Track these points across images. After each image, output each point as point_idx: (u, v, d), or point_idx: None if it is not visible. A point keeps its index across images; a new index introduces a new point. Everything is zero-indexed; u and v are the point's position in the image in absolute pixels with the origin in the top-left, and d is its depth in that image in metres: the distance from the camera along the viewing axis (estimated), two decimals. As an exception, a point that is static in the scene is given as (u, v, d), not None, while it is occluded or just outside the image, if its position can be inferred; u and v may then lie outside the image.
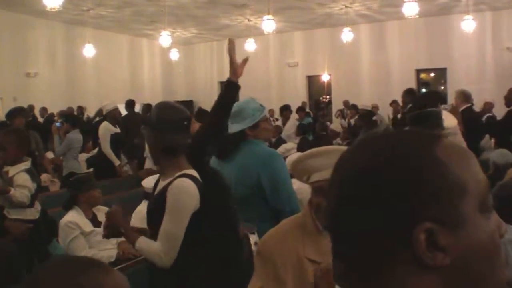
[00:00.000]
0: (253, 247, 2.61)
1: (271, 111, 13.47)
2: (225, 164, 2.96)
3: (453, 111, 4.88)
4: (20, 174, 3.61)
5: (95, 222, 3.79)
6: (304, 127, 9.02)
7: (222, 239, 2.44)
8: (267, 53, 16.60)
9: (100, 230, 3.75)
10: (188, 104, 15.58)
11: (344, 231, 0.68)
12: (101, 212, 3.96)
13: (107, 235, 2.50)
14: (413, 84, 14.17)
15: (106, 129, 7.00)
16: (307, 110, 13.14)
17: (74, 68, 14.83)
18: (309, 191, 1.83)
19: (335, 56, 15.38)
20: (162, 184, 2.40)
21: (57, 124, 8.96)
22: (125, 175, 7.16)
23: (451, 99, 7.86)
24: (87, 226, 3.72)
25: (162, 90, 18.14)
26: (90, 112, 12.83)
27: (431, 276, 0.63)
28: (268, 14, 11.08)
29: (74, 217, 3.74)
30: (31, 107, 11.77)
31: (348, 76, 15.39)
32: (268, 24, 11.10)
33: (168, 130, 2.33)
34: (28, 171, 3.67)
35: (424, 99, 4.27)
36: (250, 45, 14.16)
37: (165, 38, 12.71)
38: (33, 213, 3.69)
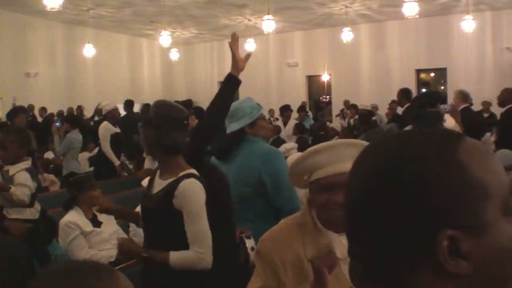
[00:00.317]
0: (250, 251, 2.60)
1: (272, 111, 13.47)
2: (225, 164, 2.95)
3: (452, 111, 4.88)
4: (20, 173, 3.62)
5: (95, 222, 3.78)
6: (302, 126, 8.98)
7: (220, 237, 2.43)
8: (267, 53, 16.59)
9: (100, 230, 3.76)
10: (188, 104, 15.54)
11: (364, 232, 0.66)
12: (101, 212, 3.96)
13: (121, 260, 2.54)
14: (413, 84, 14.19)
15: (106, 129, 6.99)
16: (307, 110, 13.13)
17: (74, 68, 14.83)
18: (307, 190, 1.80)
19: (335, 56, 15.38)
20: (161, 182, 2.38)
21: (57, 124, 8.96)
22: (125, 175, 7.17)
23: (451, 99, 7.86)
24: (87, 226, 3.72)
25: (162, 90, 18.14)
26: (87, 111, 12.86)
27: (454, 282, 0.61)
28: (268, 14, 11.09)
29: (74, 217, 3.74)
30: (30, 107, 11.77)
31: (348, 76, 15.38)
32: (268, 24, 11.11)
33: (168, 128, 2.31)
34: (28, 170, 3.67)
35: (424, 99, 4.27)
36: (250, 45, 14.16)
37: (165, 38, 12.72)
38: (32, 213, 3.69)
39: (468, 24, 11.77)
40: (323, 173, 1.66)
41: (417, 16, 10.72)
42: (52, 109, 12.66)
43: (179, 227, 2.29)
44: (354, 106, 11.48)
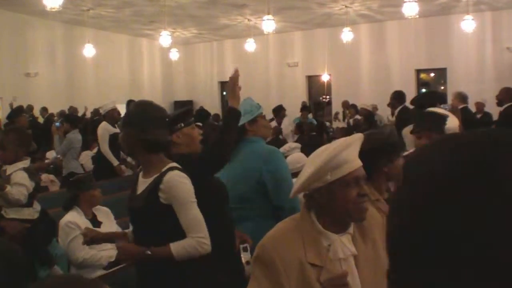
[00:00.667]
0: (245, 265, 2.60)
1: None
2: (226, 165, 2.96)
3: (454, 111, 4.88)
4: (17, 172, 3.60)
5: (95, 222, 3.78)
6: (301, 125, 8.99)
7: (219, 244, 2.42)
8: (267, 53, 16.59)
9: (100, 230, 3.75)
10: (188, 104, 15.55)
11: (418, 255, 0.53)
12: (101, 212, 3.96)
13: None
14: (413, 84, 14.20)
15: (104, 129, 6.98)
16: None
17: (74, 68, 14.82)
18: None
19: (335, 56, 15.38)
20: (145, 181, 2.37)
21: (57, 124, 8.95)
22: (124, 175, 7.16)
23: (450, 99, 7.88)
24: (87, 226, 3.71)
25: (162, 90, 18.14)
26: (88, 111, 12.84)
27: None
28: (268, 14, 11.08)
29: (74, 217, 3.74)
30: (30, 107, 11.77)
31: (348, 76, 15.38)
32: (268, 24, 11.10)
33: (149, 126, 2.32)
34: (26, 169, 3.66)
35: (423, 99, 4.28)
36: (250, 45, 14.16)
37: (165, 38, 12.71)
38: (31, 213, 3.68)
39: (468, 24, 11.78)
40: (349, 168, 1.68)
41: (417, 16, 10.71)
42: (52, 109, 12.65)
43: (169, 224, 2.28)
44: (353, 106, 11.48)
